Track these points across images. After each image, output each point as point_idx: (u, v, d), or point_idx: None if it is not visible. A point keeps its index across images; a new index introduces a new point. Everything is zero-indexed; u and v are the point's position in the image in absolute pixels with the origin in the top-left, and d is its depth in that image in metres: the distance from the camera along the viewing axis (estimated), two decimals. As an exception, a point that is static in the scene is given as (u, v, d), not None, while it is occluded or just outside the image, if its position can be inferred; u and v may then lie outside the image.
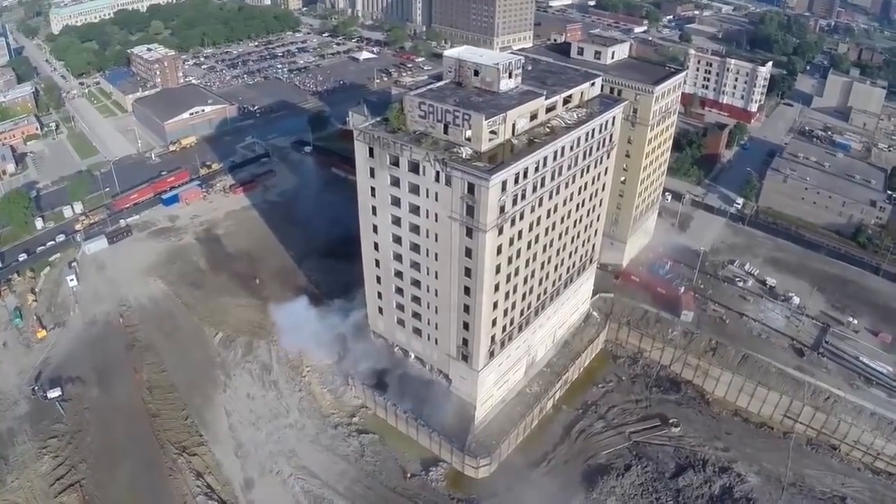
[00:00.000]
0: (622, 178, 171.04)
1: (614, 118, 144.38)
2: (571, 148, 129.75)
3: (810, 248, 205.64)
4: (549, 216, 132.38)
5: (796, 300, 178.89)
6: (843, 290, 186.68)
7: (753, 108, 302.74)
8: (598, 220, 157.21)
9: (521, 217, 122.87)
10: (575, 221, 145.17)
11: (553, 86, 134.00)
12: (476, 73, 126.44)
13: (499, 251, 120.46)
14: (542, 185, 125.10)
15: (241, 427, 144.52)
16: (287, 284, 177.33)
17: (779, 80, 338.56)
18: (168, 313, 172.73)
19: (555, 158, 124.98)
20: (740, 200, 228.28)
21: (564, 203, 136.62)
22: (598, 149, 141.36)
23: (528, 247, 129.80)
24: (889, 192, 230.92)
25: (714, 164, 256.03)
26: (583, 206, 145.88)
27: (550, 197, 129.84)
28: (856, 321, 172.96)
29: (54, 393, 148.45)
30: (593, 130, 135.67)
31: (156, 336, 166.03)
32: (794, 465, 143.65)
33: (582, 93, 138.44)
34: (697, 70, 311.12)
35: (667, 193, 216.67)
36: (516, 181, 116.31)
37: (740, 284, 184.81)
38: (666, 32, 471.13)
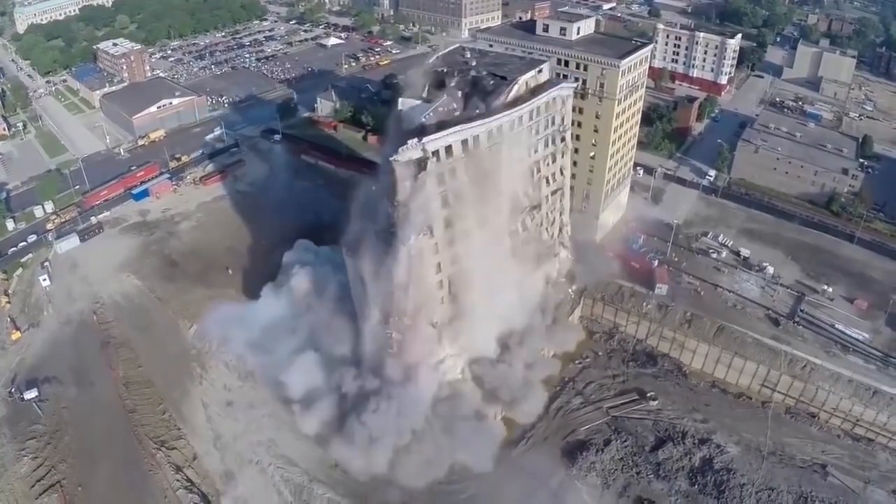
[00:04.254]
0: (591, 154, 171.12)
1: (564, 101, 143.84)
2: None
3: (783, 218, 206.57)
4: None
5: (770, 270, 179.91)
6: (818, 258, 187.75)
7: (723, 80, 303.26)
8: (561, 200, 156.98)
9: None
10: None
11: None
12: None
13: None
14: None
15: (219, 418, 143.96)
16: (260, 274, 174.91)
17: (749, 52, 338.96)
18: (142, 308, 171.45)
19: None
20: (712, 172, 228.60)
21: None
22: (540, 131, 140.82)
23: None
24: (861, 160, 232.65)
25: (685, 137, 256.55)
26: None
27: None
28: (831, 289, 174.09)
29: (31, 394, 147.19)
30: (531, 114, 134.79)
31: (131, 332, 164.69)
32: (774, 434, 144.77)
33: (526, 83, 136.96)
34: (666, 44, 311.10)
35: (638, 168, 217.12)
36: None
37: (714, 256, 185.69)
38: (635, 8, 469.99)
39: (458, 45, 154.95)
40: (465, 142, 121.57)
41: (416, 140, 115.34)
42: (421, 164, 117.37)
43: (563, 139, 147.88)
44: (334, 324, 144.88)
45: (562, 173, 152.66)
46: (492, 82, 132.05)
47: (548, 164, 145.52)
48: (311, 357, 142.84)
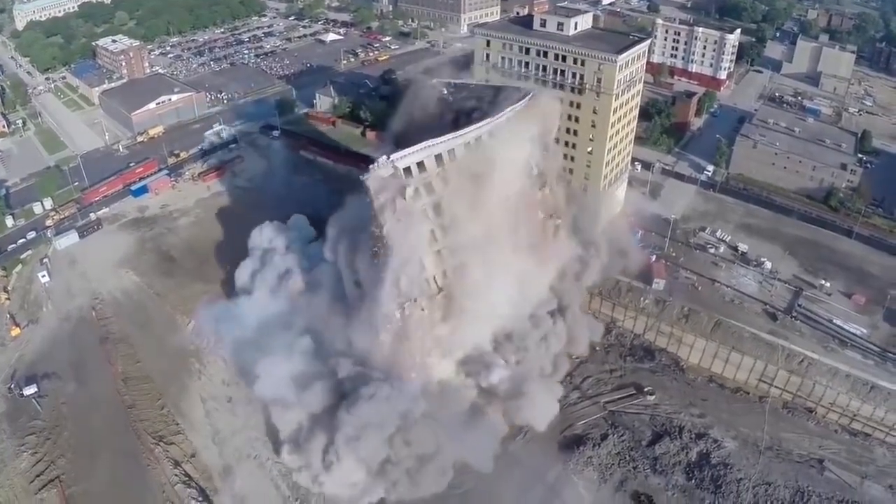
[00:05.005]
0: (589, 149, 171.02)
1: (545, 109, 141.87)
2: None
3: (782, 213, 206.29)
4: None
5: (768, 265, 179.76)
6: (816, 253, 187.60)
7: (722, 75, 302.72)
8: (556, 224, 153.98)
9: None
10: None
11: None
12: None
13: None
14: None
15: (218, 413, 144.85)
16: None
17: (748, 47, 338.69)
18: (141, 304, 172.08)
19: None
20: (711, 167, 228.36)
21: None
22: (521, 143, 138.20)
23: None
24: (860, 155, 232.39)
25: (684, 132, 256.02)
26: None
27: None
28: (828, 284, 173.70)
29: (30, 390, 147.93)
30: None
31: (129, 328, 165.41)
32: (771, 428, 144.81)
33: None
34: (665, 39, 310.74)
35: (636, 163, 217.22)
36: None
37: (712, 251, 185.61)
38: (634, 3, 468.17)
39: (435, 80, 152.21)
40: (439, 157, 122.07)
41: (385, 157, 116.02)
42: (400, 191, 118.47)
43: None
44: (325, 318, 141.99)
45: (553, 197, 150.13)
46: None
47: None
48: (283, 354, 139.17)
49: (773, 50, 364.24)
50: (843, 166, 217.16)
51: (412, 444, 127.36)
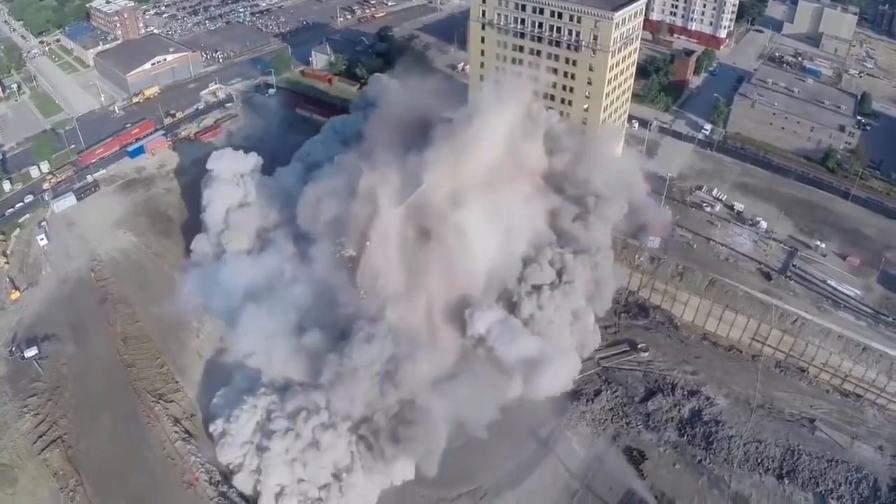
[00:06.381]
0: (585, 106, 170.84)
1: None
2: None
3: (778, 173, 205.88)
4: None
5: (764, 224, 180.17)
6: (812, 214, 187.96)
7: (722, 34, 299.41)
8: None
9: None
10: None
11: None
12: None
13: None
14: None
15: (216, 371, 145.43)
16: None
17: (748, 6, 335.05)
18: (139, 265, 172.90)
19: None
20: (708, 126, 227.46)
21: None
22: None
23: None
24: (859, 117, 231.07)
25: (682, 90, 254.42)
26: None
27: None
28: (823, 245, 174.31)
29: (31, 352, 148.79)
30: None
31: (128, 288, 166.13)
32: (763, 387, 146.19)
33: None
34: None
35: (633, 121, 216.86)
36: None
37: (708, 210, 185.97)
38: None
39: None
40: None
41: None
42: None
43: None
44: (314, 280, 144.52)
45: None
46: None
47: None
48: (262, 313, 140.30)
49: (774, 9, 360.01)
50: (842, 128, 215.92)
51: (399, 387, 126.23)
